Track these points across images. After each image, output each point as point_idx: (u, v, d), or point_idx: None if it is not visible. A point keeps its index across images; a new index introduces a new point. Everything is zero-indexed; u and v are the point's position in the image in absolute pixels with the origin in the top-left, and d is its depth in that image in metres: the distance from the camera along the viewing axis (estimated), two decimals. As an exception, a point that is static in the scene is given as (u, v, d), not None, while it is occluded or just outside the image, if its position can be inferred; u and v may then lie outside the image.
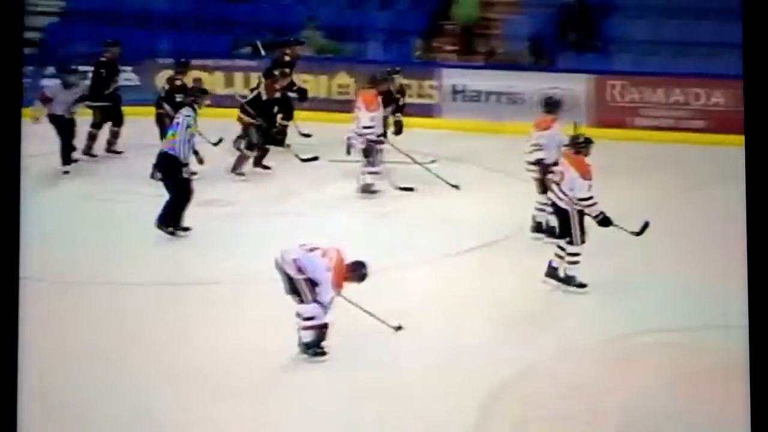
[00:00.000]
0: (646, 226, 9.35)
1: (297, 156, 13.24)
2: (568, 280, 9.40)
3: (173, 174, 10.89)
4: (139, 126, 13.73)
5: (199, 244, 10.75)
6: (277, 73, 13.57)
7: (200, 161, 11.30)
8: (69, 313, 8.97)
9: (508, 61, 16.57)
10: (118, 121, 14.03)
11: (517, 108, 15.46)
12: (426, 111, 15.78)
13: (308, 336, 8.05)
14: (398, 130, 13.16)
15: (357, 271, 8.01)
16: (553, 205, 9.59)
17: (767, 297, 3.99)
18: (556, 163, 10.25)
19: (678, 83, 15.13)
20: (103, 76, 13.95)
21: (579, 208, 9.27)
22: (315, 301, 7.94)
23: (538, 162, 10.62)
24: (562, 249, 9.41)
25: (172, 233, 10.88)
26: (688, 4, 16.03)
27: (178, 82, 13.37)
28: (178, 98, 12.76)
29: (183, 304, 9.29)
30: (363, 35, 15.45)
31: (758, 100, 4.05)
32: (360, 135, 12.43)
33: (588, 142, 9.52)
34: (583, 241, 9.34)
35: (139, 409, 7.30)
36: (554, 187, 9.48)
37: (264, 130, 13.22)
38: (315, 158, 13.26)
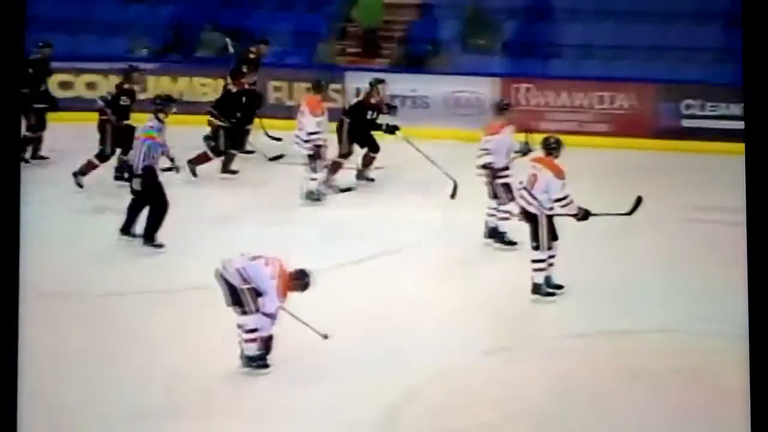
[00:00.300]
0: (638, 203, 9.37)
1: (264, 156, 13.25)
2: (535, 289, 9.38)
3: (148, 183, 10.67)
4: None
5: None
6: (244, 69, 13.58)
7: (176, 170, 11.14)
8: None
9: (412, 64, 16.47)
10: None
11: (422, 111, 15.42)
12: (330, 115, 15.48)
13: (251, 349, 7.90)
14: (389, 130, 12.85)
15: (300, 280, 7.90)
16: (522, 210, 9.50)
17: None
18: (506, 168, 10.32)
19: (582, 87, 15.19)
20: (33, 76, 13.52)
21: (552, 212, 9.24)
22: (258, 311, 7.75)
23: (486, 166, 10.56)
24: (539, 261, 9.42)
25: (146, 243, 10.70)
26: (590, 6, 16.12)
27: (126, 86, 13.04)
28: (123, 102, 12.68)
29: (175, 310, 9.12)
30: (263, 37, 15.17)
31: (758, 106, 4.08)
32: (306, 141, 12.24)
33: (558, 143, 9.50)
34: (549, 248, 9.29)
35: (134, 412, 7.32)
36: (523, 192, 9.41)
37: (231, 134, 13.09)
38: (281, 156, 13.31)
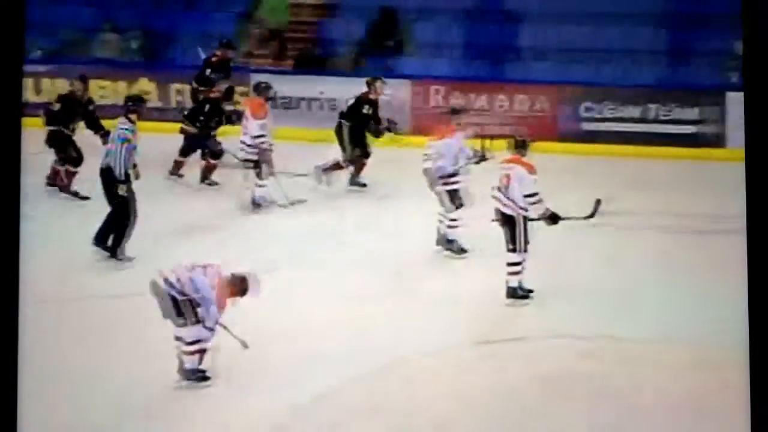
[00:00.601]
0: (597, 205, 9.37)
1: (236, 157, 12.57)
2: (511, 293, 9.33)
3: (110, 191, 10.32)
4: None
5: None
6: (214, 76, 13.31)
7: (137, 176, 10.58)
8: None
9: (321, 65, 16.30)
10: None
11: (329, 114, 15.07)
12: (237, 118, 15.09)
13: (192, 361, 7.72)
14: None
15: (239, 286, 7.71)
16: (498, 212, 9.40)
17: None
18: (454, 174, 10.22)
19: (501, 89, 15.16)
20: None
21: (524, 211, 9.17)
22: (199, 322, 7.58)
23: (427, 172, 10.46)
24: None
25: (112, 255, 10.28)
26: (498, 8, 16.17)
27: (78, 93, 12.66)
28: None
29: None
30: (167, 38, 14.80)
31: (759, 110, 4.01)
32: (250, 145, 11.92)
33: (525, 142, 9.55)
34: (525, 250, 9.23)
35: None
36: (498, 194, 9.34)
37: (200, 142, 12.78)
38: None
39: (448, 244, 10.54)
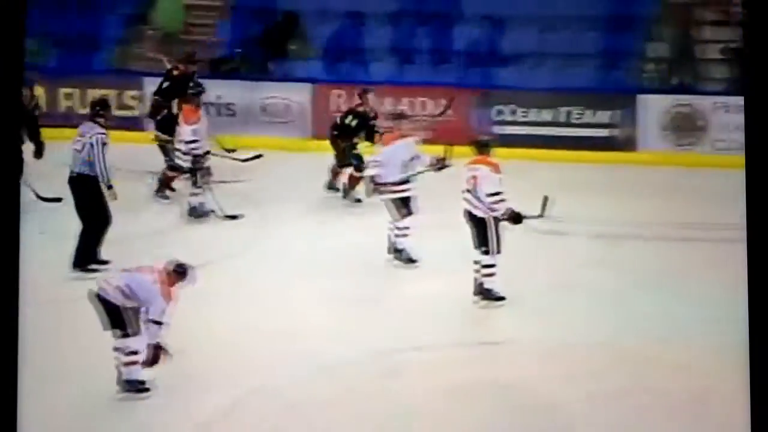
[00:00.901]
0: (545, 202, 9.23)
1: (237, 159, 12.10)
2: (486, 294, 9.23)
3: (90, 198, 9.95)
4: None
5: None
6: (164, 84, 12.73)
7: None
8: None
9: (217, 69, 15.68)
10: None
11: (227, 120, 14.71)
12: (130, 124, 14.50)
13: (133, 372, 7.59)
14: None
15: (182, 273, 7.60)
16: (468, 214, 9.24)
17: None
18: (404, 182, 9.99)
19: (405, 92, 14.81)
20: None
21: (493, 212, 9.07)
22: (139, 332, 7.45)
23: (372, 179, 10.20)
24: (478, 263, 9.21)
25: (93, 270, 9.70)
26: (407, 10, 15.82)
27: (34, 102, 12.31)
28: None
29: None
30: (57, 41, 14.11)
31: (758, 115, 4.01)
32: (185, 153, 11.51)
33: (488, 142, 9.52)
34: (498, 251, 9.13)
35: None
36: (467, 195, 9.22)
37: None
38: (259, 156, 12.18)
39: (397, 253, 10.24)
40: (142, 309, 7.44)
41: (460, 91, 14.63)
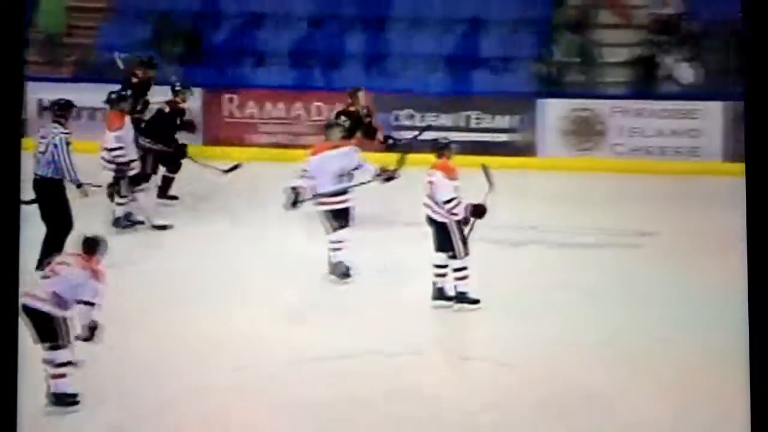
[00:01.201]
0: (487, 172, 9.27)
1: (217, 169, 11.92)
2: (460, 298, 9.10)
3: (53, 201, 9.87)
4: None
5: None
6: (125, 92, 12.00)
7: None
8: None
9: (101, 73, 15.02)
10: None
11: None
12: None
13: (62, 385, 7.44)
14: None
15: (90, 244, 7.52)
16: (429, 219, 9.11)
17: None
18: (341, 193, 9.63)
19: (297, 97, 14.57)
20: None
21: (454, 216, 8.99)
22: (70, 344, 7.37)
23: (294, 188, 9.65)
24: (441, 267, 9.08)
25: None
26: (298, 13, 15.57)
27: None
28: None
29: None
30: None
31: (759, 120, 3.99)
32: (109, 161, 11.05)
33: (447, 144, 9.41)
34: (466, 254, 9.02)
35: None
36: (428, 200, 9.10)
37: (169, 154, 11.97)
38: (238, 165, 11.78)
39: (332, 267, 9.78)
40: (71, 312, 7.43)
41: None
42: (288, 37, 15.45)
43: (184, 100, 12.22)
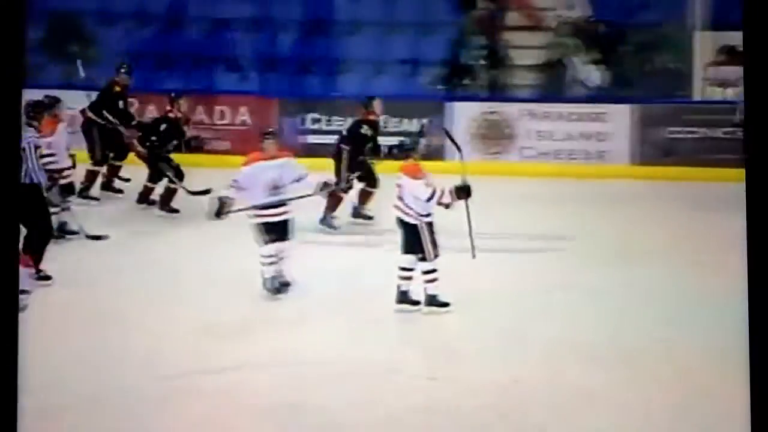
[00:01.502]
0: (448, 135, 9.69)
1: (186, 189, 11.69)
2: (430, 300, 8.92)
3: (27, 207, 9.23)
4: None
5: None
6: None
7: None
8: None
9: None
10: None
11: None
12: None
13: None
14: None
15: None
16: (400, 221, 8.95)
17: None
18: (275, 206, 9.17)
19: (204, 101, 14.31)
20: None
21: (424, 218, 8.87)
22: None
23: (221, 199, 9.22)
24: (407, 269, 8.90)
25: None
26: (213, 15, 15.43)
27: None
28: None
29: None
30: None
31: (759, 121, 3.99)
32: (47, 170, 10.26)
33: (412, 144, 9.29)
34: (436, 256, 8.86)
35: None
36: (398, 202, 8.96)
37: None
38: (207, 191, 10.87)
39: (264, 282, 9.28)
40: None
41: (260, 99, 14.25)
42: (195, 39, 15.43)
43: (179, 109, 11.98)
